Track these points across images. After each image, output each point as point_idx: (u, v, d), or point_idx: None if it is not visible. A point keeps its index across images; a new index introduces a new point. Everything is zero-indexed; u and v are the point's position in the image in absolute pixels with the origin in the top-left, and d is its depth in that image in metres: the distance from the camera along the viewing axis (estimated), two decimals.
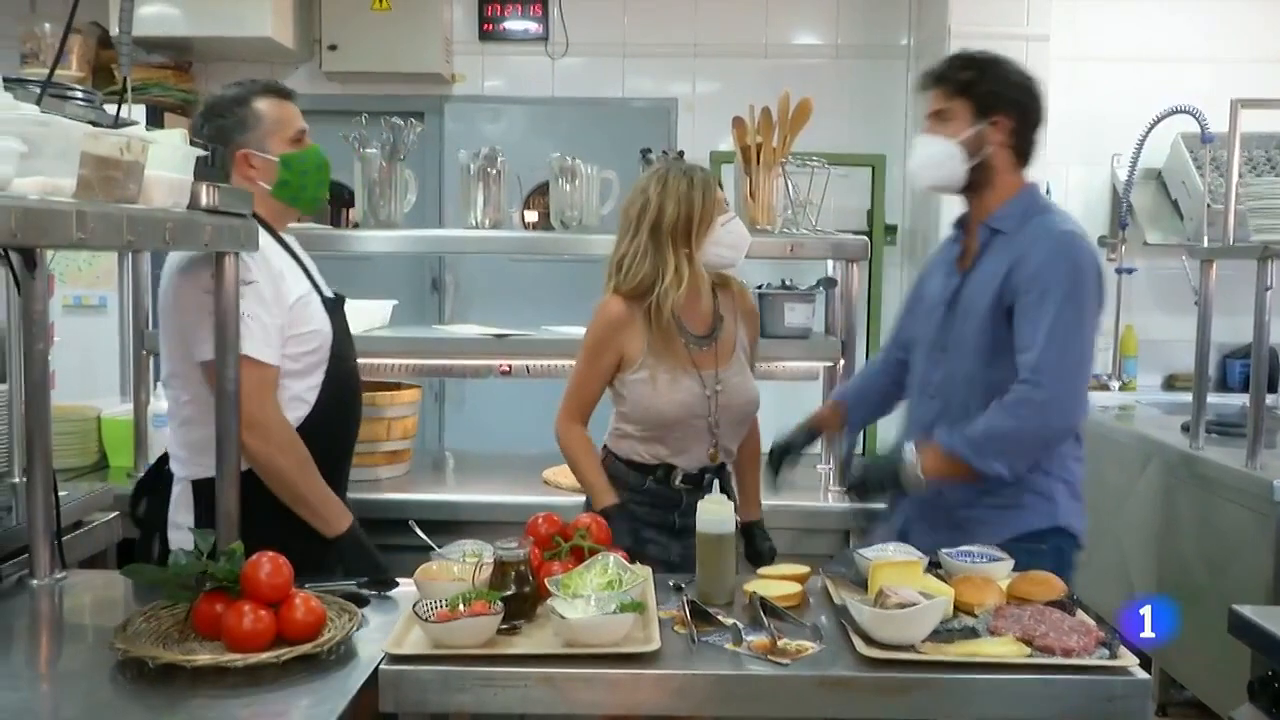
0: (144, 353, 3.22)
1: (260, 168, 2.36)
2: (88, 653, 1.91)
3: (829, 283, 3.36)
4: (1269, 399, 3.39)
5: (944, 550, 2.13)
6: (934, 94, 2.41)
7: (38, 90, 1.60)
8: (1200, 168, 4.48)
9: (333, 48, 5.11)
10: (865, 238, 3.38)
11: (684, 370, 2.51)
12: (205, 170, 1.91)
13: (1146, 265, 4.98)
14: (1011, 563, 2.09)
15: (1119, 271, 4.78)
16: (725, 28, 5.31)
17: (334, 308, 2.44)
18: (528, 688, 1.71)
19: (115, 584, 2.22)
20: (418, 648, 1.76)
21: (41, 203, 1.42)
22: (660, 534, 2.53)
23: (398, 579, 2.16)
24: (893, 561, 2.03)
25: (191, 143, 1.88)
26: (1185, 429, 3.72)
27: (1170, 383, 5.05)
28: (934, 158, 2.39)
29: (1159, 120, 4.56)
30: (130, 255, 3.33)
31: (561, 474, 3.03)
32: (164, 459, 2.43)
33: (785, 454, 2.67)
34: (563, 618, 1.76)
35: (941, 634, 1.80)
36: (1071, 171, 4.94)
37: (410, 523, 2.36)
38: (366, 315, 3.36)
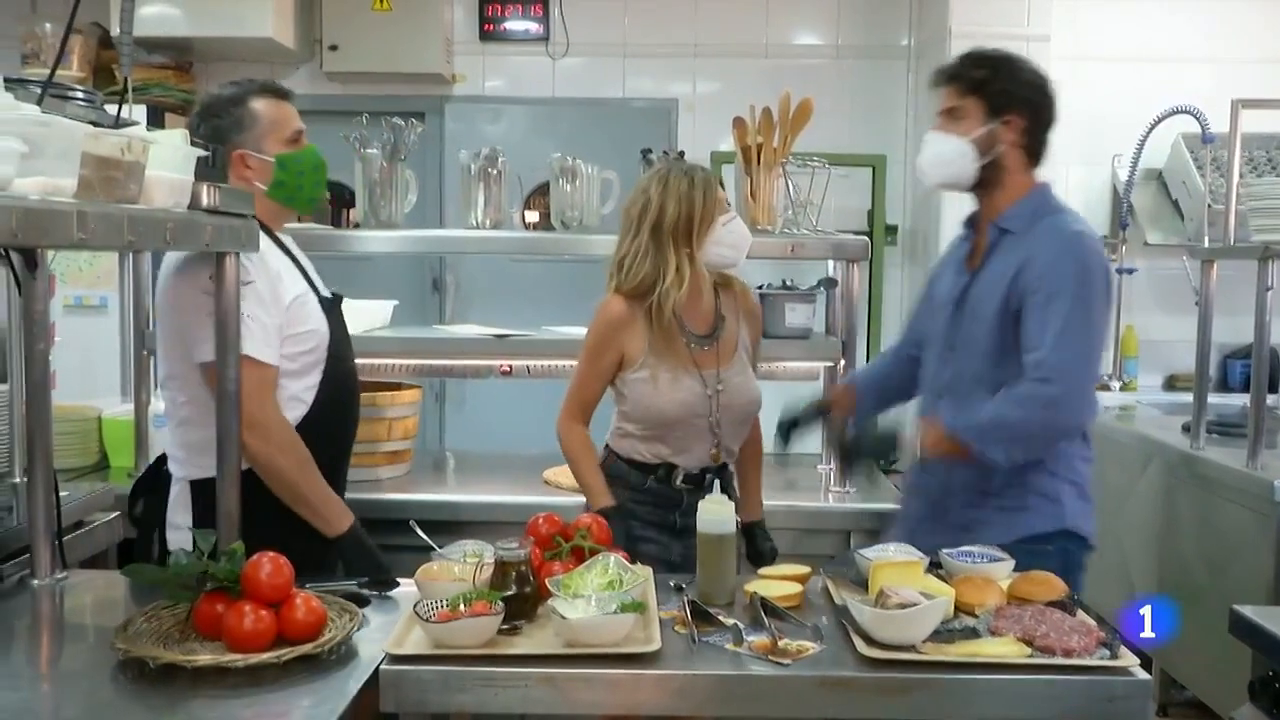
0: (145, 353, 3.22)
1: (256, 168, 2.35)
2: (88, 653, 1.91)
3: (829, 283, 3.36)
4: (1270, 399, 3.39)
5: (944, 550, 2.13)
6: (946, 91, 2.40)
7: (39, 90, 1.60)
8: (1201, 168, 4.48)
9: (333, 48, 5.11)
10: (866, 238, 3.38)
11: (685, 370, 2.51)
12: (206, 170, 1.91)
13: (1147, 265, 4.98)
14: (1012, 563, 2.09)
15: (1119, 272, 4.78)
16: (726, 28, 5.31)
17: (331, 307, 2.44)
18: (528, 688, 1.71)
19: (116, 584, 2.22)
20: (418, 648, 1.76)
21: (42, 203, 1.42)
22: (661, 534, 2.53)
23: (398, 579, 2.16)
24: (893, 562, 2.03)
25: (191, 143, 1.88)
26: (1186, 429, 3.72)
27: (1171, 383, 5.05)
28: (944, 155, 2.39)
29: (1160, 120, 4.56)
30: (131, 255, 3.34)
31: (562, 474, 3.03)
32: (162, 459, 2.43)
33: (793, 426, 2.66)
34: (563, 618, 1.76)
35: (942, 634, 1.80)
36: (1072, 171, 4.95)
37: (411, 523, 2.36)
38: (367, 315, 3.36)
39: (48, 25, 4.39)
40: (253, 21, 4.74)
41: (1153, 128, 4.61)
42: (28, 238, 1.38)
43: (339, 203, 3.44)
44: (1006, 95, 2.35)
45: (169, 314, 2.30)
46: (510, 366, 3.34)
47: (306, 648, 1.74)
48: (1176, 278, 4.68)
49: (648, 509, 2.53)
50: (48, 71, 1.68)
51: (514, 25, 5.34)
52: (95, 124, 1.58)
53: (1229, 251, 3.43)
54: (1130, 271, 4.87)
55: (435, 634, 1.75)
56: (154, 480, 2.42)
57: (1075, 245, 2.29)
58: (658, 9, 5.33)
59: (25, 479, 2.32)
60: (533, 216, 3.40)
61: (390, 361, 3.36)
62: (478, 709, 1.73)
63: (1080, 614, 1.90)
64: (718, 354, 2.55)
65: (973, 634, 1.82)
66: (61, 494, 2.24)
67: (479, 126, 5.33)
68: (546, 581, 1.89)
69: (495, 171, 3.33)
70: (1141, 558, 3.84)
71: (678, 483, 2.53)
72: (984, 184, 2.39)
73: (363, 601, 2.01)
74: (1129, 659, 1.75)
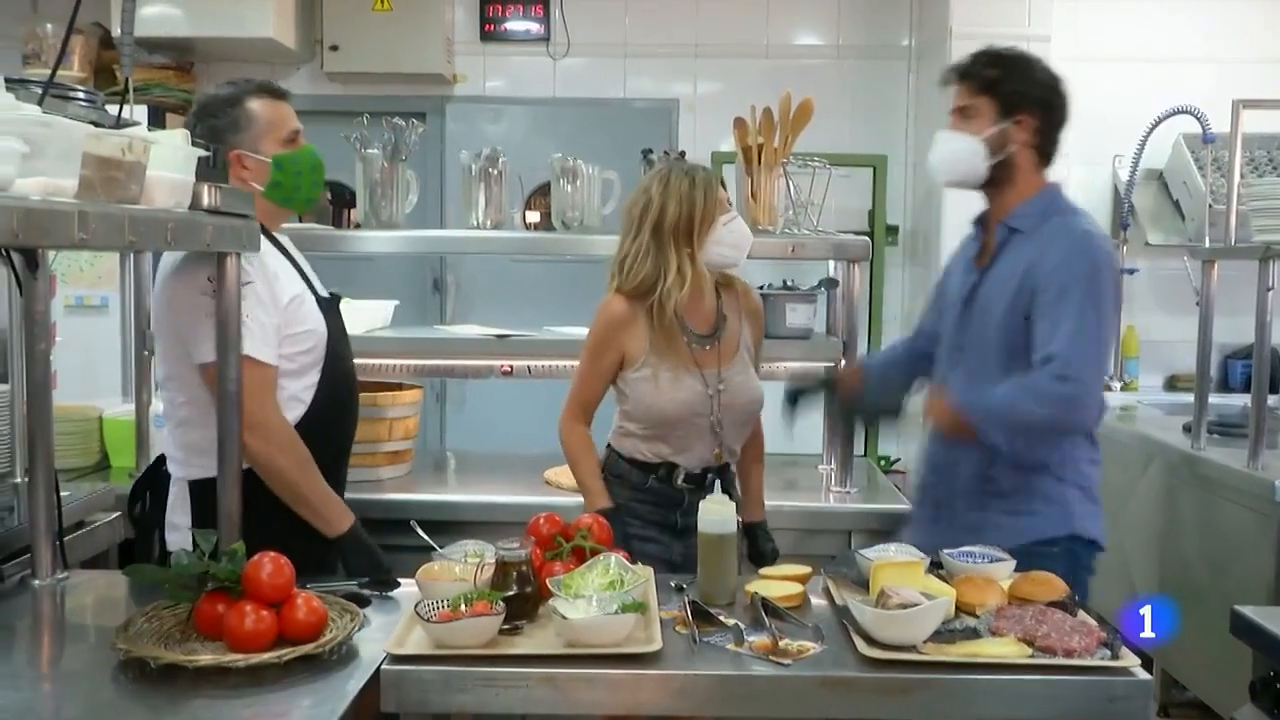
0: (145, 353, 3.22)
1: (253, 168, 2.34)
2: (89, 653, 1.91)
3: (830, 283, 3.36)
4: (1271, 400, 3.39)
5: (945, 550, 2.13)
6: (958, 89, 2.39)
7: (40, 91, 1.60)
8: (1202, 168, 4.47)
9: (334, 48, 5.11)
10: (867, 238, 3.38)
11: (686, 369, 2.51)
12: (207, 171, 1.91)
13: (1148, 266, 4.98)
14: (1013, 563, 2.09)
15: (1120, 272, 4.77)
16: (726, 28, 5.31)
17: (329, 307, 2.43)
18: (529, 688, 1.71)
19: (117, 584, 2.23)
20: (419, 648, 1.76)
21: (44, 203, 1.42)
22: (662, 533, 2.53)
23: (399, 579, 2.16)
24: (894, 562, 2.02)
25: (193, 143, 1.88)
26: (1187, 429, 3.72)
27: (1172, 383, 5.05)
28: (955, 154, 2.38)
29: (1160, 121, 4.56)
30: (132, 255, 3.34)
31: (563, 474, 3.03)
32: (161, 460, 2.42)
33: (799, 396, 2.66)
34: (564, 618, 1.76)
35: (943, 634, 1.80)
36: (1073, 172, 4.91)
37: (412, 523, 2.36)
38: (368, 316, 3.36)
39: (49, 26, 4.39)
40: (253, 22, 4.74)
41: (1154, 128, 4.60)
42: (29, 238, 1.38)
43: (340, 203, 3.44)
44: (1019, 95, 2.34)
45: (167, 316, 2.30)
46: (511, 367, 3.34)
47: (307, 648, 1.74)
48: (1177, 278, 4.67)
49: (649, 508, 2.53)
50: (49, 72, 1.68)
51: (515, 25, 5.34)
52: (96, 124, 1.58)
53: (1230, 252, 3.42)
54: (1131, 272, 4.86)
55: (436, 634, 1.75)
56: (153, 480, 2.42)
57: (1085, 244, 2.28)
58: (658, 9, 5.33)
59: (26, 479, 2.33)
60: (533, 217, 3.40)
61: (391, 362, 3.35)
62: (479, 709, 1.73)
63: (1081, 614, 1.89)
64: (719, 353, 2.55)
65: (974, 634, 1.82)
66: (62, 494, 2.24)
67: (480, 127, 5.34)
68: (547, 582, 1.89)
69: (496, 172, 3.33)
70: (1142, 558, 3.84)
71: (679, 482, 2.53)
72: (994, 183, 2.39)
73: (364, 602, 2.01)
74: (1130, 659, 1.75)
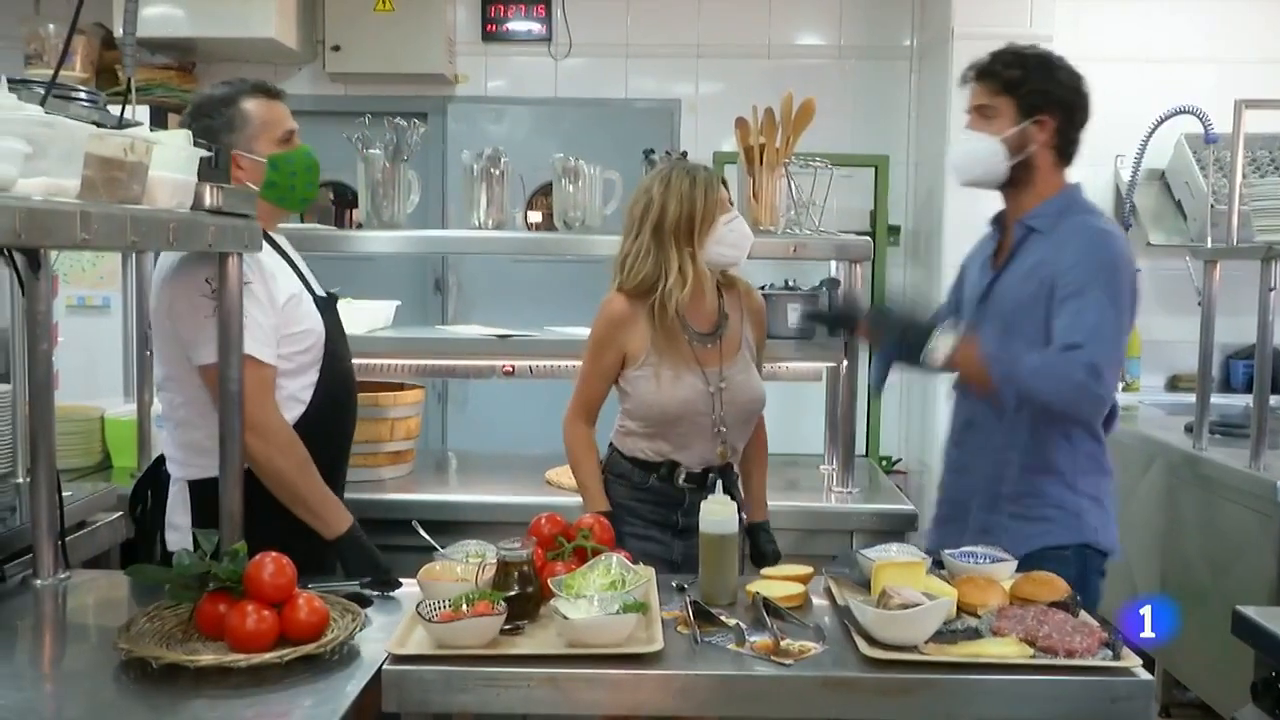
0: (147, 353, 3.21)
1: (248, 168, 2.34)
2: (91, 653, 1.92)
3: (832, 283, 3.36)
4: (1272, 400, 3.39)
5: (946, 551, 2.13)
6: (978, 89, 2.38)
7: (42, 91, 1.60)
8: (1204, 168, 4.47)
9: (336, 49, 5.11)
10: (868, 238, 3.38)
11: (687, 367, 2.51)
12: (209, 171, 1.91)
13: (1150, 266, 4.96)
14: (1014, 563, 2.09)
15: (1137, 271, 4.77)
16: (728, 28, 5.31)
17: (326, 306, 2.43)
18: (531, 688, 1.71)
19: (118, 584, 2.23)
20: (421, 648, 1.76)
21: (46, 203, 1.42)
22: (663, 533, 2.53)
23: (401, 579, 2.16)
24: (895, 562, 2.02)
25: (194, 143, 1.88)
26: (1188, 429, 3.72)
27: (1173, 383, 5.05)
28: (975, 154, 2.37)
29: (1162, 121, 4.55)
30: (134, 256, 3.34)
31: (564, 474, 3.03)
32: (162, 460, 2.42)
33: (813, 317, 2.74)
34: (566, 618, 1.76)
35: (944, 635, 1.80)
36: (1074, 172, 4.94)
37: (413, 523, 2.36)
38: (369, 316, 3.36)
39: (51, 26, 4.40)
40: (255, 22, 4.74)
41: (1155, 128, 4.60)
42: (31, 238, 1.39)
43: (342, 203, 3.45)
44: (1040, 95, 2.33)
45: (165, 317, 2.29)
46: (513, 367, 3.34)
47: (309, 648, 1.75)
48: (1179, 278, 4.67)
49: (650, 508, 2.53)
50: (51, 72, 1.68)
51: (516, 26, 5.34)
52: (98, 124, 1.58)
53: (1232, 252, 3.42)
54: None
55: (438, 634, 1.75)
56: (154, 480, 2.42)
57: (1102, 241, 2.27)
58: (660, 9, 5.33)
59: (28, 479, 2.32)
60: (535, 217, 3.40)
61: (392, 362, 3.36)
62: (480, 709, 1.73)
63: (1083, 614, 1.89)
64: (720, 351, 2.55)
65: (975, 634, 1.82)
66: (64, 494, 2.25)
67: (481, 127, 5.33)
68: (549, 582, 1.89)
69: (498, 172, 3.33)
70: (1144, 558, 3.84)
71: (680, 481, 2.53)
72: (1014, 183, 2.38)
73: (365, 602, 2.01)
74: (1131, 659, 1.75)
